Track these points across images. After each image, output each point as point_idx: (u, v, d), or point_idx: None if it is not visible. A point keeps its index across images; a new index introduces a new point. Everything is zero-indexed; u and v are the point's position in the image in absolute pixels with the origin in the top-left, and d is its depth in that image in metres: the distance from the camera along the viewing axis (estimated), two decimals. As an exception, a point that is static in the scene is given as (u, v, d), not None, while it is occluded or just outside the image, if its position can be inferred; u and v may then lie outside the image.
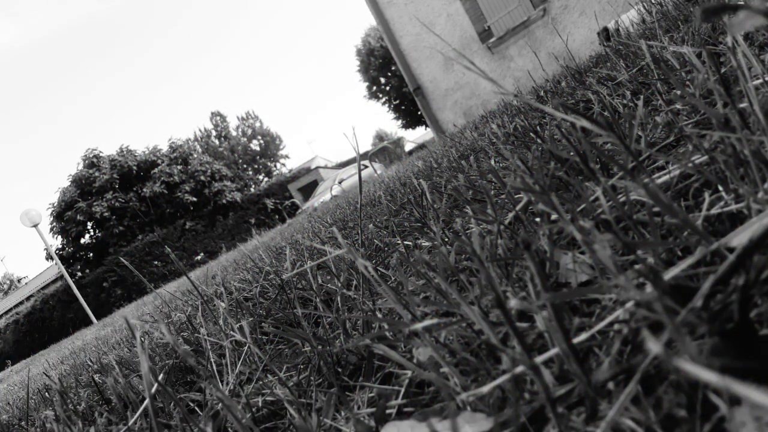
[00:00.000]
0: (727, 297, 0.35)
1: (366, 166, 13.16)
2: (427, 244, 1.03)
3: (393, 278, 0.95)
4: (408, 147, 14.02)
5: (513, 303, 0.39)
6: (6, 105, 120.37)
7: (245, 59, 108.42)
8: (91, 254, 23.35)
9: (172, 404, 0.89)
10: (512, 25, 8.98)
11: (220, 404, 0.74)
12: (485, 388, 0.43)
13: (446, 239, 0.91)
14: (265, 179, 38.49)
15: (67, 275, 15.94)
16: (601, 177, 0.55)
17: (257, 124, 41.76)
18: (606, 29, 3.95)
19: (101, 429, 0.93)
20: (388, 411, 0.54)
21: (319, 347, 0.71)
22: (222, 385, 0.86)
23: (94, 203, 22.62)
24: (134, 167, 24.06)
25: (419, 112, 24.47)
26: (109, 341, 3.20)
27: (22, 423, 1.54)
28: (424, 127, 27.50)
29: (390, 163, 11.09)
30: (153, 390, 0.59)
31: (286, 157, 41.97)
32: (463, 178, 1.27)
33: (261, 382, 0.79)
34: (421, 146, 9.11)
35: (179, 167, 24.69)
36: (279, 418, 0.70)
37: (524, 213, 0.75)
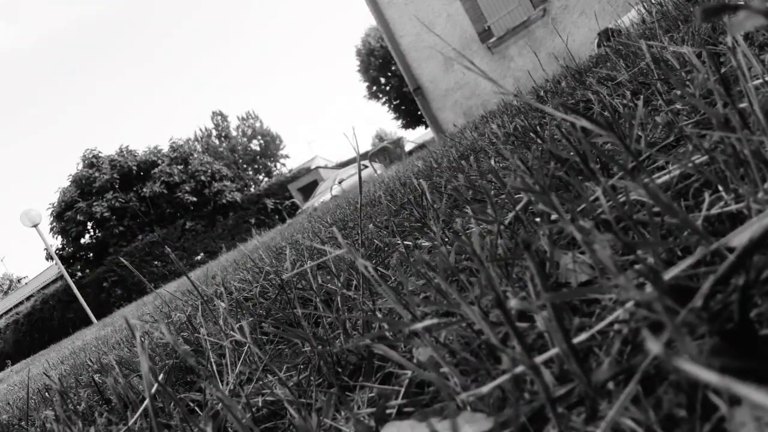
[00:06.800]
0: (727, 297, 0.35)
1: (366, 166, 13.15)
2: (427, 244, 1.03)
3: (393, 278, 0.95)
4: (408, 147, 14.01)
5: (513, 303, 0.39)
6: (7, 105, 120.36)
7: (246, 59, 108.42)
8: (91, 254, 23.36)
9: (172, 404, 0.89)
10: (512, 25, 8.98)
11: (220, 404, 0.74)
12: (485, 388, 0.43)
13: (446, 239, 0.91)
14: (265, 179, 38.50)
15: (67, 275, 15.95)
16: (601, 177, 0.55)
17: (257, 124, 41.78)
18: (606, 30, 3.97)
19: (101, 429, 0.93)
20: (388, 411, 0.54)
21: (319, 347, 0.71)
22: (222, 385, 0.86)
23: (94, 203, 22.64)
24: (134, 167, 24.07)
25: (419, 112, 24.45)
26: (109, 341, 3.20)
27: (22, 423, 1.54)
28: (424, 127, 27.50)
29: (390, 163, 11.09)
30: (153, 390, 0.59)
31: (286, 157, 41.99)
32: (463, 178, 1.27)
33: (261, 382, 0.79)
34: (421, 146, 9.11)
35: (179, 167, 24.70)
36: (279, 418, 0.70)
37: (524, 213, 0.75)
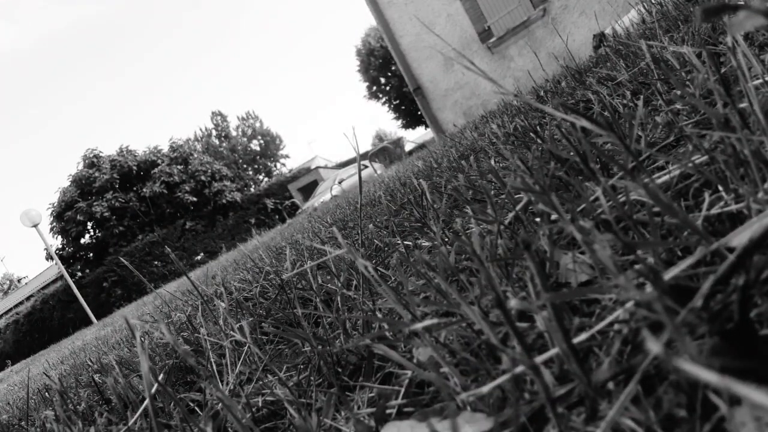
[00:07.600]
0: (727, 297, 0.35)
1: (366, 166, 13.16)
2: (427, 244, 1.03)
3: (393, 278, 0.95)
4: (408, 147, 14.01)
5: (513, 303, 0.39)
6: (7, 106, 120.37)
7: (246, 59, 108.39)
8: (91, 254, 23.36)
9: (172, 404, 0.89)
10: (512, 25, 8.98)
11: (220, 404, 0.74)
12: (485, 388, 0.43)
13: (446, 239, 0.91)
14: (265, 179, 38.53)
15: (67, 275, 15.95)
16: (601, 177, 0.55)
17: (257, 124, 41.79)
18: (602, 34, 3.99)
19: (101, 429, 0.93)
20: (388, 411, 0.54)
21: (319, 347, 0.71)
22: (222, 385, 0.86)
23: (94, 203, 22.64)
24: (134, 167, 24.08)
25: (419, 112, 24.45)
26: (109, 341, 3.20)
27: (22, 423, 1.54)
28: (424, 127, 27.49)
29: (390, 163, 11.10)
30: (153, 390, 0.59)
31: (286, 157, 42.01)
32: (463, 178, 1.27)
33: (261, 382, 0.79)
34: (421, 146, 9.11)
35: (179, 167, 24.71)
36: (279, 418, 0.70)
37: (524, 213, 0.75)
